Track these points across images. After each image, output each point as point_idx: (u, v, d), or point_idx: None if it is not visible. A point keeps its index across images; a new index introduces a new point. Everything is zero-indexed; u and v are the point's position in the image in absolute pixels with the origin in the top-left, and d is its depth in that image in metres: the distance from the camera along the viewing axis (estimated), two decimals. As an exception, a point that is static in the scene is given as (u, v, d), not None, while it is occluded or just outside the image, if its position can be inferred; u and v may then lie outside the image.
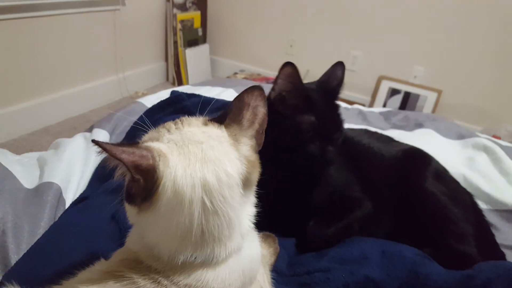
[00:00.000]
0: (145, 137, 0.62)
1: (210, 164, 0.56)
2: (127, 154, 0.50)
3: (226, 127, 0.63)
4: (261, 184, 1.00)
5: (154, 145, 0.56)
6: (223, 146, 0.60)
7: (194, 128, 0.61)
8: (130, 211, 0.59)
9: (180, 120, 0.63)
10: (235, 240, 0.60)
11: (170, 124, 0.62)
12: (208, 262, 0.58)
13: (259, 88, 0.65)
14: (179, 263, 0.56)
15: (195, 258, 0.57)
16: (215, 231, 0.56)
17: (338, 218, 1.06)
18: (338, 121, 1.08)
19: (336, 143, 1.07)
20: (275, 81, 1.01)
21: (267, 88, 2.12)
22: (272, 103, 1.02)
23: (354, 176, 1.15)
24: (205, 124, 0.63)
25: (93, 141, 0.49)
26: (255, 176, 0.64)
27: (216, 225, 0.56)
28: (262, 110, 0.66)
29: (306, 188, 1.08)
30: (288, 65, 0.96)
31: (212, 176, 0.55)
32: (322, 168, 1.08)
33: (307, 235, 1.04)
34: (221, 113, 0.66)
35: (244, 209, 0.63)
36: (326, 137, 1.04)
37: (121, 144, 0.52)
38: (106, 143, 0.50)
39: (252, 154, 0.64)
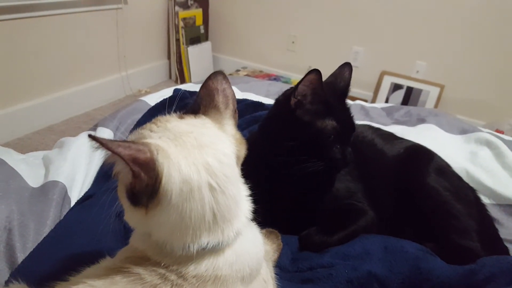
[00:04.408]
0: (130, 139, 0.61)
1: (207, 149, 0.58)
2: (124, 148, 0.51)
3: (204, 114, 0.66)
4: (268, 183, 1.01)
5: (150, 140, 0.57)
6: (212, 130, 0.63)
7: (176, 123, 0.62)
8: (136, 215, 0.58)
9: (157, 120, 0.64)
10: (240, 219, 0.62)
11: (150, 125, 0.62)
12: (218, 247, 0.59)
13: (221, 72, 0.69)
14: (191, 254, 0.57)
15: (207, 243, 0.58)
16: (225, 211, 0.58)
17: (341, 227, 1.07)
18: (352, 122, 1.09)
19: (350, 143, 1.08)
20: (296, 87, 1.01)
21: (271, 85, 2.13)
22: (293, 109, 1.02)
23: (358, 177, 1.16)
24: (181, 118, 0.65)
25: (90, 136, 0.50)
26: (243, 152, 0.67)
27: (225, 204, 0.58)
28: (230, 91, 0.69)
29: (314, 191, 1.09)
30: (314, 72, 0.96)
31: (212, 159, 0.58)
32: (340, 170, 1.08)
33: (310, 240, 1.05)
34: (191, 106, 0.69)
35: (242, 187, 0.66)
36: (344, 140, 1.05)
37: (117, 140, 0.53)
38: (103, 138, 0.50)
39: (237, 132, 0.68)
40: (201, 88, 0.69)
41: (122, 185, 0.59)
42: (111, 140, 0.51)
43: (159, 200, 0.55)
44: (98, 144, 0.50)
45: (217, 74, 0.69)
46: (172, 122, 0.62)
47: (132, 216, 0.60)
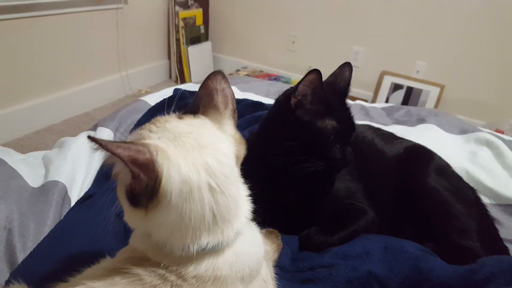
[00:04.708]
0: (129, 139, 0.61)
1: (207, 149, 0.58)
2: (123, 149, 0.51)
3: (203, 114, 0.66)
4: (268, 183, 1.00)
5: (149, 141, 0.57)
6: (211, 130, 0.63)
7: (175, 123, 0.62)
8: (135, 215, 0.58)
9: (157, 120, 0.64)
10: (240, 219, 0.62)
11: (150, 126, 0.62)
12: (218, 247, 0.59)
13: (220, 72, 0.69)
14: (191, 254, 0.57)
15: (207, 244, 0.58)
16: (225, 211, 0.58)
17: (341, 227, 1.07)
18: (352, 122, 1.09)
19: (350, 143, 1.08)
20: (296, 87, 1.01)
21: (271, 85, 2.13)
22: (293, 109, 1.02)
23: (358, 177, 1.16)
24: (181, 118, 0.64)
25: (89, 137, 0.49)
26: (242, 152, 0.67)
27: (225, 205, 0.58)
28: (229, 91, 0.69)
29: (314, 191, 1.09)
30: (314, 72, 0.96)
31: (212, 159, 0.57)
32: (340, 170, 1.08)
33: (310, 240, 1.05)
34: (190, 106, 0.68)
35: (241, 187, 0.66)
36: (344, 140, 1.05)
37: (117, 141, 0.53)
38: (102, 139, 0.50)
39: (236, 132, 0.67)
40: (200, 88, 0.68)
41: (121, 186, 0.59)
42: (110, 141, 0.50)
43: (159, 201, 0.55)
44: (97, 145, 0.50)
45: (216, 73, 0.69)
46: (172, 123, 0.62)
47: (131, 216, 0.60)
